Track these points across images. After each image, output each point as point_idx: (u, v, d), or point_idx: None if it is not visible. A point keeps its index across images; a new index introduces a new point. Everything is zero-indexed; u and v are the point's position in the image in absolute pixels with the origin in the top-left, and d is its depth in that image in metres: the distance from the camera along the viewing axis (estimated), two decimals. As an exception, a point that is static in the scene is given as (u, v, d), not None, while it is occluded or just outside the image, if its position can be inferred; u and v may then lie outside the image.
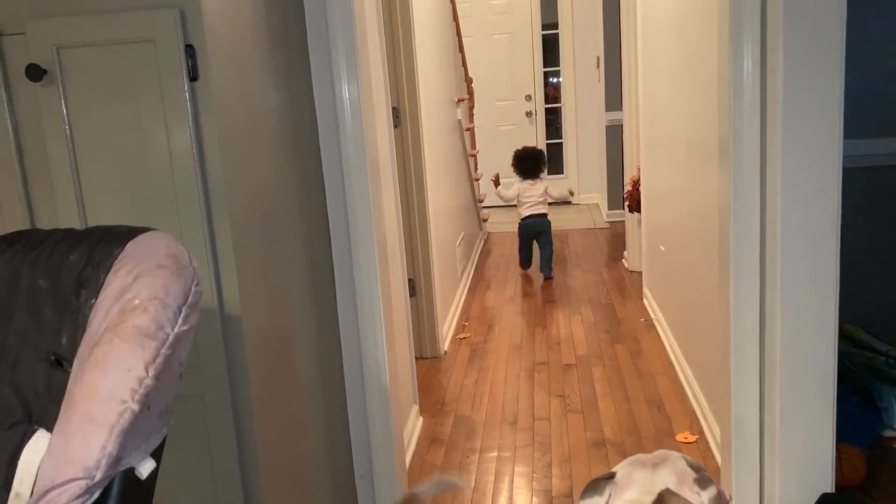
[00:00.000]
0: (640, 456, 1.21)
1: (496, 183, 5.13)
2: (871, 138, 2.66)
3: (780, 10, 1.64)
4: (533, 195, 5.01)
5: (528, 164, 5.04)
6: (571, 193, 5.46)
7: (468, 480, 2.44)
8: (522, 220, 5.03)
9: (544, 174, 5.13)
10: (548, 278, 4.86)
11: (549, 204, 5.10)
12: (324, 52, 1.92)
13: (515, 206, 5.17)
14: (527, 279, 4.89)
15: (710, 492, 1.11)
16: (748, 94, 1.77)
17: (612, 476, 1.19)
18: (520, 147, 5.20)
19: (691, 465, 1.17)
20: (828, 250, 1.73)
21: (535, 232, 4.97)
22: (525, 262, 5.10)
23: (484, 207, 6.37)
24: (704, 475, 1.14)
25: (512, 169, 5.09)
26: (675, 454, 1.19)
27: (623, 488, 1.15)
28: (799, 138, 1.69)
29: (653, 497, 1.10)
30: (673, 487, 1.12)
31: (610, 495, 1.15)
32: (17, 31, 1.43)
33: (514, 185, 5.07)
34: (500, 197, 5.15)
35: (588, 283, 4.67)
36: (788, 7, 1.63)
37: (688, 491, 1.11)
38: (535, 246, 5.05)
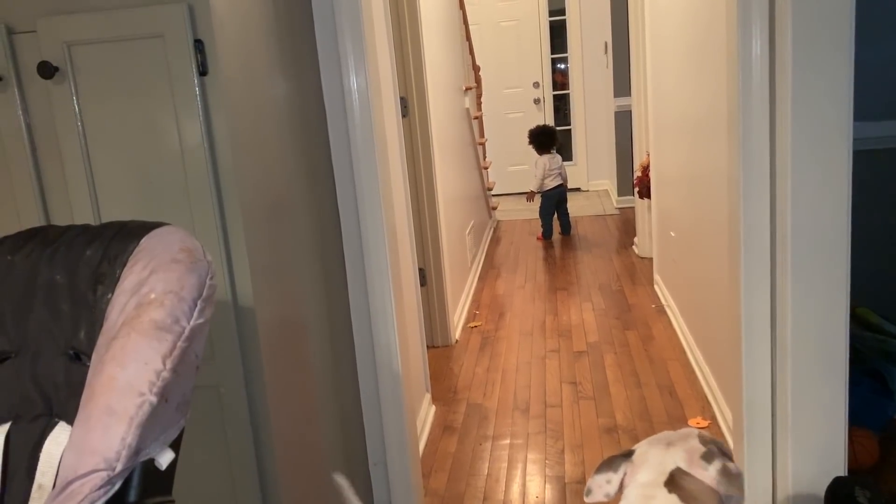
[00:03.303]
0: (661, 434, 1.21)
1: (532, 197, 5.68)
2: (882, 120, 2.64)
3: (788, -8, 1.63)
4: (554, 168, 5.62)
5: (546, 138, 5.64)
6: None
7: (481, 468, 2.46)
8: (547, 191, 5.59)
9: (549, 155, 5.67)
10: (567, 235, 5.63)
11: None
12: (331, 43, 1.92)
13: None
14: (538, 263, 4.90)
15: (716, 465, 1.11)
16: (757, 77, 1.76)
17: (630, 454, 1.19)
18: (532, 127, 5.78)
19: (703, 441, 1.16)
20: (838, 233, 1.73)
21: (558, 200, 5.59)
22: (548, 232, 5.61)
23: (493, 196, 6.36)
24: (712, 449, 1.14)
25: (531, 146, 5.67)
26: (693, 431, 1.19)
27: (638, 467, 1.15)
28: (808, 121, 1.68)
29: (665, 477, 1.11)
30: (683, 465, 1.12)
31: (625, 473, 1.16)
32: (28, 30, 1.44)
33: (538, 163, 5.63)
34: (538, 185, 5.63)
35: (598, 269, 4.67)
36: (797, -10, 1.62)
37: (697, 468, 1.12)
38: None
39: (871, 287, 2.52)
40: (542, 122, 6.58)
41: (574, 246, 5.34)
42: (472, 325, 3.87)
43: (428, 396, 2.90)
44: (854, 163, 1.72)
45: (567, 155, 7.37)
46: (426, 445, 2.64)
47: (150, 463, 0.91)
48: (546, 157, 5.60)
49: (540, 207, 5.64)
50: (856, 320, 2.58)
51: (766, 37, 1.73)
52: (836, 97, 1.66)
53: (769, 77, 1.75)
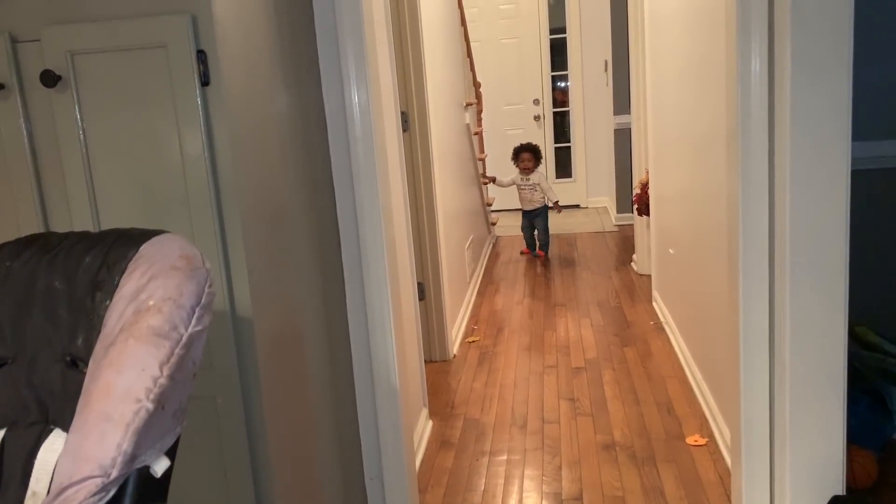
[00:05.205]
0: None
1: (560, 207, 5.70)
2: (882, 140, 2.65)
3: (787, 10, 1.65)
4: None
5: (540, 153, 5.65)
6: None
7: (478, 484, 2.44)
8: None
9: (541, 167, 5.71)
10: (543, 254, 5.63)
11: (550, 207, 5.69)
12: (333, 57, 1.94)
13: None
14: (537, 279, 4.89)
15: None
16: (756, 94, 1.77)
17: None
18: (526, 143, 5.77)
19: None
20: (837, 251, 1.73)
21: (533, 216, 5.63)
22: (534, 245, 5.65)
23: (492, 211, 6.37)
24: None
25: (533, 158, 5.61)
26: None
27: None
28: (807, 139, 1.69)
29: None
30: None
31: None
32: (31, 38, 1.45)
33: (543, 175, 5.71)
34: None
35: (597, 286, 4.67)
36: (796, 7, 1.64)
37: None
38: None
39: (869, 306, 2.52)
40: (542, 139, 6.65)
41: (573, 262, 5.34)
42: (470, 339, 3.87)
43: (425, 411, 2.89)
44: (853, 182, 1.72)
45: (567, 172, 7.40)
46: (423, 460, 2.62)
47: (146, 470, 0.90)
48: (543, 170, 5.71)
49: (522, 223, 5.70)
50: (855, 339, 2.58)
51: (766, 54, 1.75)
52: (836, 114, 1.67)
53: (768, 94, 1.76)
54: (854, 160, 1.72)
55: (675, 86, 3.23)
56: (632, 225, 5.21)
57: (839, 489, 1.83)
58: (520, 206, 5.74)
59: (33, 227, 1.51)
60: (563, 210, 6.10)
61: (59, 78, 1.42)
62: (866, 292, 2.32)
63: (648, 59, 4.01)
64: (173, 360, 0.89)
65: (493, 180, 5.73)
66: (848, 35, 1.65)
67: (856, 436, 2.02)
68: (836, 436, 1.81)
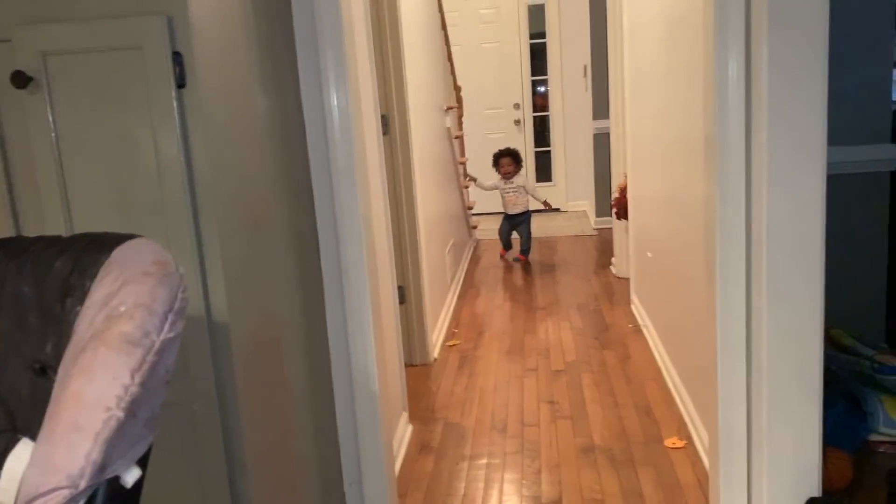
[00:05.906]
0: None
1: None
2: (855, 145, 2.69)
3: (764, 15, 1.66)
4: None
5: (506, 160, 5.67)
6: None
7: (458, 488, 2.43)
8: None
9: (522, 170, 5.77)
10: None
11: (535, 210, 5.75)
12: (312, 59, 1.92)
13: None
14: (518, 282, 4.90)
15: None
16: (733, 99, 1.78)
17: None
18: (506, 148, 5.82)
19: None
20: (813, 254, 1.75)
21: (518, 222, 5.68)
22: (509, 244, 5.72)
23: (473, 214, 6.38)
24: None
25: (514, 163, 5.64)
26: None
27: None
28: (784, 143, 1.70)
29: None
30: None
31: None
32: (2, 39, 1.42)
33: (528, 176, 5.88)
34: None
35: (577, 289, 4.68)
36: (773, 14, 1.65)
37: None
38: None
39: (844, 309, 2.55)
40: (523, 143, 6.65)
41: (552, 266, 5.36)
42: (450, 343, 3.86)
43: (405, 415, 2.87)
44: (828, 186, 1.74)
45: (547, 175, 7.43)
46: (402, 465, 2.61)
47: (116, 481, 0.88)
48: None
49: (501, 226, 5.73)
50: (829, 342, 2.61)
51: (743, 59, 1.76)
52: (812, 119, 1.69)
53: (745, 99, 1.78)
54: (830, 164, 1.74)
55: (654, 91, 3.25)
56: (611, 229, 5.23)
57: (815, 491, 1.85)
58: (502, 210, 5.74)
59: (3, 231, 1.48)
60: (544, 214, 6.12)
61: (30, 79, 1.39)
62: (841, 295, 2.35)
63: (627, 64, 4.04)
64: (145, 367, 0.87)
65: (475, 181, 5.73)
66: (824, 40, 1.66)
67: (832, 438, 2.04)
68: (813, 438, 1.83)
